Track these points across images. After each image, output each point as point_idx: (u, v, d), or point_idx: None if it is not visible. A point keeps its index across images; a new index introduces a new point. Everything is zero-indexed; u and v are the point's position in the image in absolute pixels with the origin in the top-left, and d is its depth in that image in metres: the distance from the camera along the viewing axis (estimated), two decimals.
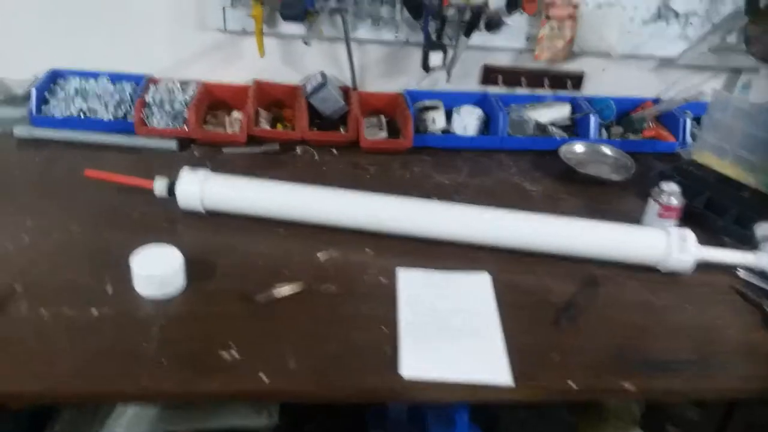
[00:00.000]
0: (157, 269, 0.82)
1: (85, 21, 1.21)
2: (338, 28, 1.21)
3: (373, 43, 1.27)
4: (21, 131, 1.12)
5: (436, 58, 1.20)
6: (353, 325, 0.82)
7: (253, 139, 1.18)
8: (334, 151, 1.20)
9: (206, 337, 0.78)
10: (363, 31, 1.24)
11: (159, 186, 0.98)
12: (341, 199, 0.98)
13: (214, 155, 1.15)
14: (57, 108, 1.15)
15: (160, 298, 0.83)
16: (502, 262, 0.95)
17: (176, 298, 0.84)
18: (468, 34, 1.19)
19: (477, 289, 0.90)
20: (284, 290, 0.86)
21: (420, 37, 1.23)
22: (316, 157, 1.18)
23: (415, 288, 0.89)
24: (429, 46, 1.19)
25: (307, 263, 0.92)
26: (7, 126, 1.13)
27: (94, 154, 1.12)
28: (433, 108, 1.28)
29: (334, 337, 0.80)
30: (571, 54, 1.28)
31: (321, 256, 0.94)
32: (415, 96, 1.29)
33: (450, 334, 0.82)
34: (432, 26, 1.18)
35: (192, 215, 0.98)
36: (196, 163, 1.11)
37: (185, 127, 1.17)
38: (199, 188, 0.97)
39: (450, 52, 1.21)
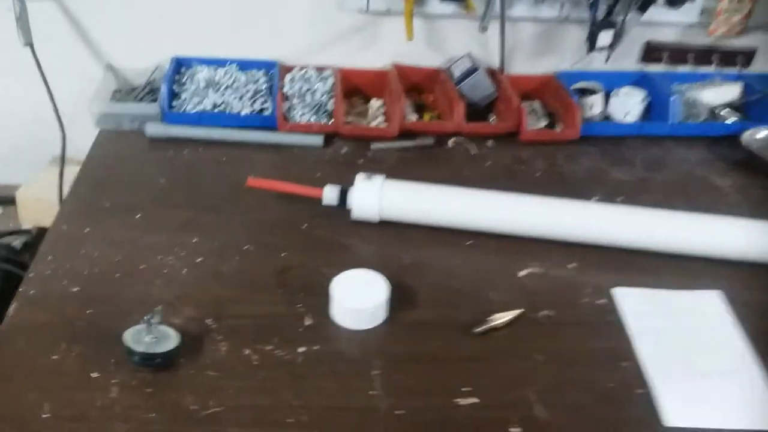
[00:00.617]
0: (364, 301, 0.72)
1: (207, 2, 1.08)
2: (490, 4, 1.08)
3: (526, 21, 1.13)
4: (154, 130, 1.00)
5: (605, 37, 1.07)
6: (589, 361, 0.72)
7: (401, 132, 1.07)
8: (489, 143, 1.09)
9: (435, 382, 0.68)
10: (520, 8, 1.10)
11: (329, 194, 0.87)
12: (535, 205, 0.87)
13: (362, 151, 1.04)
14: (189, 102, 1.04)
15: (361, 329, 0.73)
16: (733, 277, 0.84)
17: (379, 330, 0.74)
18: (644, 9, 1.05)
19: (710, 310, 0.79)
20: (501, 318, 0.75)
21: (581, 13, 1.10)
22: (472, 152, 1.07)
23: (641, 312, 0.78)
24: (598, 23, 1.06)
25: (510, 283, 0.81)
26: (133, 123, 1.02)
27: (234, 153, 1.01)
28: (590, 91, 1.15)
29: (574, 377, 0.70)
30: (745, 28, 1.15)
31: (521, 273, 0.83)
32: (568, 78, 1.16)
33: (700, 369, 0.72)
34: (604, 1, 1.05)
35: (363, 226, 0.88)
36: (342, 161, 1.01)
37: (330, 121, 1.05)
38: (377, 197, 0.86)
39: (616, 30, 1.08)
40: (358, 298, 0.72)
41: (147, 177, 0.94)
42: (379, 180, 0.87)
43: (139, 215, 0.86)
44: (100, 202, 0.88)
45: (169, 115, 1.02)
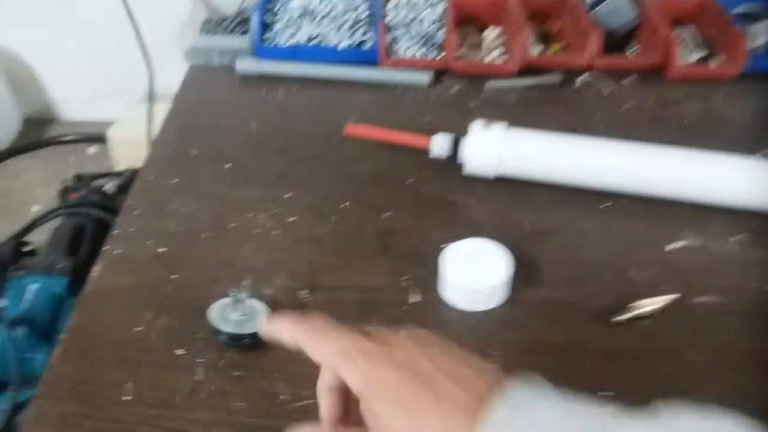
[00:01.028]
0: (481, 279, 0.61)
1: None
2: None
3: None
4: (244, 66, 0.91)
5: None
6: (762, 365, 0.58)
7: (522, 68, 0.92)
8: (627, 81, 0.92)
9: (564, 380, 0.56)
10: None
11: (439, 145, 0.75)
12: (687, 160, 0.71)
13: (476, 91, 0.90)
14: (282, 34, 0.93)
15: (476, 311, 0.63)
16: None
17: (497, 313, 0.63)
18: None
19: None
20: (648, 305, 0.63)
21: None
22: (607, 91, 0.90)
23: None
24: None
25: (657, 258, 0.67)
26: (223, 58, 0.93)
27: (331, 93, 0.90)
28: (756, 17, 0.95)
29: (743, 385, 0.56)
30: None
31: (671, 247, 0.69)
32: (727, 1, 0.95)
33: None
34: None
35: (478, 182, 0.76)
36: (453, 102, 0.88)
37: (439, 55, 0.92)
38: (496, 150, 0.73)
39: None
40: (474, 275, 0.61)
41: (237, 121, 0.85)
42: (499, 129, 0.73)
43: (228, 165, 0.78)
44: (188, 149, 0.80)
45: (261, 49, 0.92)
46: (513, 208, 0.73)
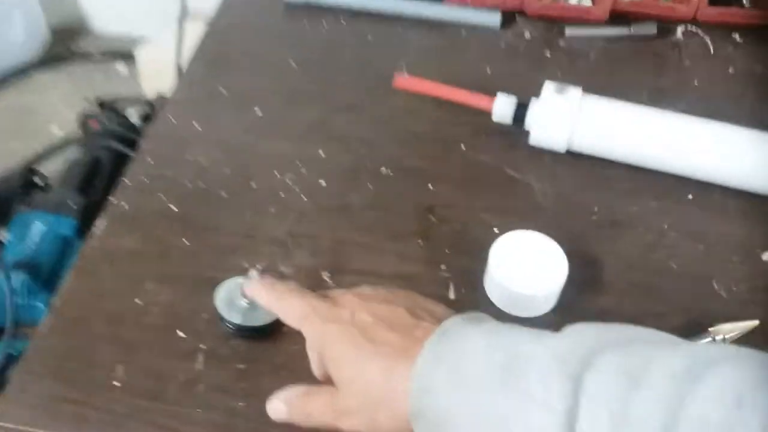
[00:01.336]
0: (532, 283, 0.52)
1: None
2: None
3: None
4: None
5: None
6: None
7: (611, 14, 0.77)
8: (737, 36, 0.77)
9: None
10: None
11: (502, 108, 0.64)
12: None
13: (553, 38, 0.77)
14: None
15: (523, 317, 0.54)
16: None
17: (546, 321, 0.53)
18: None
19: None
20: (730, 332, 0.52)
21: None
22: (711, 48, 0.76)
23: None
24: None
25: (750, 269, 0.56)
26: None
27: (384, 29, 0.78)
28: None
29: None
30: None
31: (766, 255, 0.57)
32: None
33: None
34: None
35: (544, 156, 0.64)
36: (524, 51, 0.75)
37: None
38: (569, 120, 0.61)
39: None
40: (525, 277, 0.52)
41: (275, 57, 0.75)
42: (574, 95, 0.61)
43: (259, 110, 0.69)
44: (216, 87, 0.71)
45: None
46: (582, 191, 0.62)
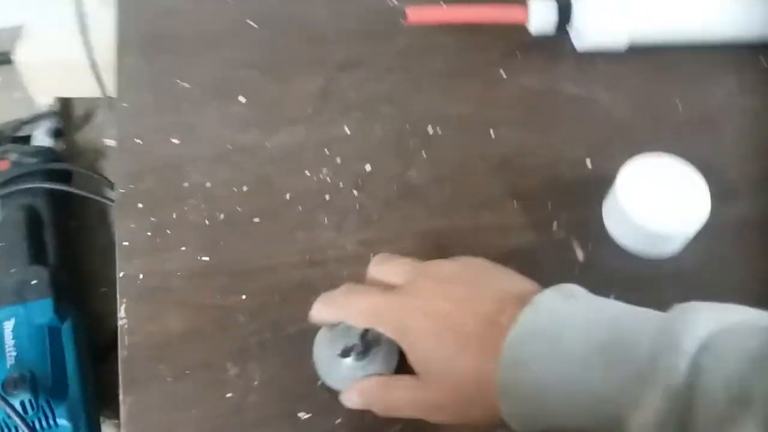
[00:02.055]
0: (680, 222, 0.44)
1: None
2: None
3: None
4: None
5: None
6: None
7: None
8: None
9: None
10: None
11: (540, 15, 0.53)
12: None
13: None
14: None
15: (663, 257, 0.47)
16: None
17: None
18: None
19: None
20: None
21: None
22: None
23: None
24: None
25: None
26: None
27: None
28: None
29: None
30: None
31: None
32: None
33: None
34: None
35: (601, 61, 0.54)
36: None
37: None
38: (628, 10, 0.52)
39: None
40: (670, 213, 0.44)
41: (225, 22, 0.57)
42: None
43: (242, 97, 0.54)
44: (172, 82, 0.53)
45: None
46: (654, 90, 0.54)
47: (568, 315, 0.33)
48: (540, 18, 0.52)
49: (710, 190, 0.45)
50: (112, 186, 0.89)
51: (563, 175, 0.49)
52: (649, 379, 0.30)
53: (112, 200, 0.84)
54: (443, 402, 0.36)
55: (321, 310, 0.41)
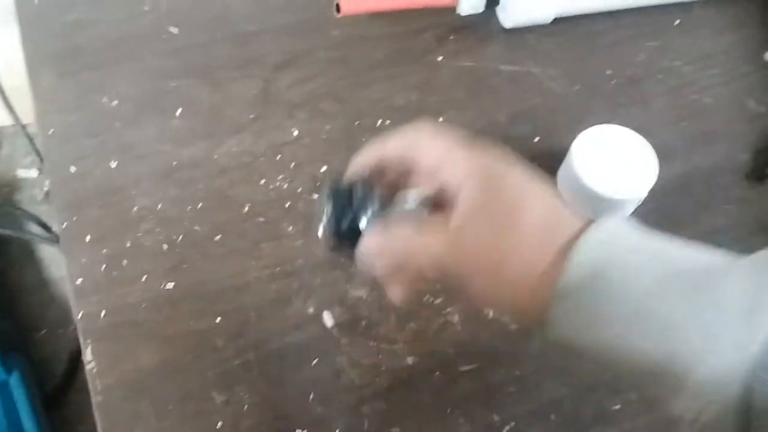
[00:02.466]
0: (633, 187, 0.46)
1: None
2: None
3: None
4: None
5: None
6: None
7: None
8: None
9: None
10: None
11: None
12: None
13: None
14: None
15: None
16: None
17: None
18: None
19: None
20: None
21: None
22: None
23: None
24: None
25: (763, 70, 0.56)
26: None
27: None
28: None
29: None
30: None
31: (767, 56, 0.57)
32: None
33: None
34: None
35: (529, 35, 0.55)
36: None
37: None
38: None
39: None
40: (616, 179, 0.46)
41: (146, 30, 0.53)
42: None
43: (180, 110, 0.51)
44: (99, 101, 0.50)
45: None
46: (583, 58, 0.56)
47: (648, 237, 0.30)
48: (468, 2, 0.53)
49: None
50: (36, 220, 0.83)
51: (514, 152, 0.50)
52: (740, 327, 0.26)
53: (37, 235, 0.79)
54: (475, 269, 0.30)
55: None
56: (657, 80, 0.55)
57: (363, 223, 0.33)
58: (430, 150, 0.33)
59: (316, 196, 0.48)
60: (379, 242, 0.32)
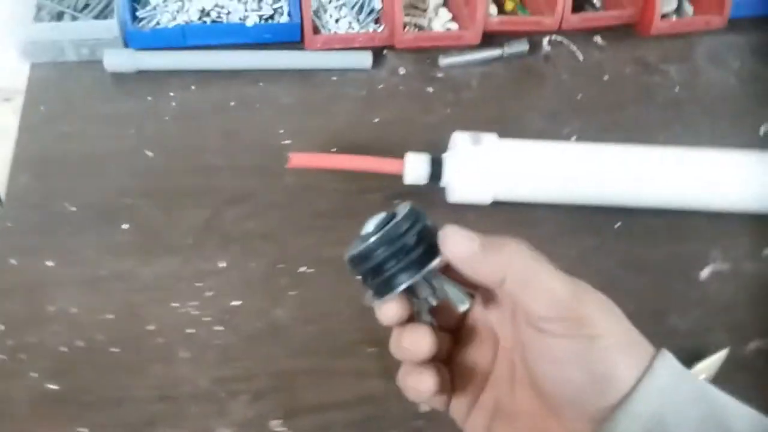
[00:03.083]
0: None
1: None
2: None
3: None
4: (115, 60, 0.65)
5: None
6: None
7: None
8: (598, 39, 0.77)
9: None
10: None
11: (415, 170, 0.57)
12: (693, 161, 0.59)
13: (429, 70, 0.71)
14: (163, 11, 0.67)
15: None
16: None
17: None
18: None
19: None
20: (703, 371, 0.51)
21: None
22: (580, 56, 0.75)
23: None
24: None
25: (692, 293, 0.55)
26: (81, 51, 0.65)
27: (249, 91, 0.66)
28: None
29: None
30: None
31: (704, 274, 0.57)
32: None
33: None
34: None
35: (468, 212, 0.59)
36: (404, 90, 0.69)
37: (379, 28, 0.71)
38: (490, 171, 0.56)
39: None
40: None
41: (122, 148, 0.60)
42: (491, 143, 0.57)
43: (126, 224, 0.56)
44: (59, 204, 0.56)
45: (135, 35, 0.66)
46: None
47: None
48: (413, 172, 0.57)
49: None
50: None
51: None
52: None
53: None
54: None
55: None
56: (584, 278, 0.55)
57: (399, 280, 0.32)
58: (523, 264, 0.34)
59: (220, 327, 0.50)
60: (396, 335, 0.34)
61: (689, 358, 0.51)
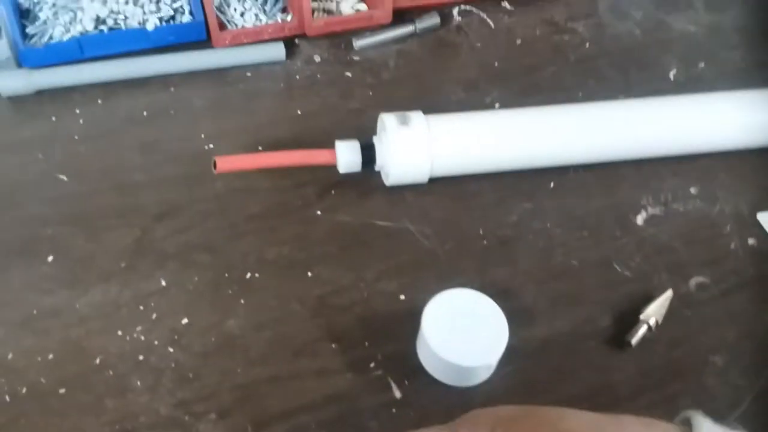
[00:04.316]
0: (483, 354, 0.46)
1: None
2: None
3: None
4: (10, 83, 0.60)
5: None
6: None
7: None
8: (507, 5, 0.77)
9: None
10: None
11: (346, 158, 0.56)
12: (613, 112, 0.61)
13: (343, 55, 0.70)
14: (54, 25, 0.63)
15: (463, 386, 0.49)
16: None
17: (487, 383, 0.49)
18: None
19: None
20: (655, 314, 0.53)
21: None
22: (491, 23, 0.75)
23: None
24: None
25: (633, 239, 0.57)
26: None
27: (160, 98, 0.63)
28: None
29: None
30: None
31: (640, 220, 0.59)
32: None
33: None
34: None
35: (406, 193, 0.58)
36: (323, 79, 0.67)
37: (287, 17, 0.69)
38: (425, 149, 0.56)
39: None
40: (471, 348, 0.46)
41: (32, 174, 0.56)
42: (419, 122, 0.56)
43: (51, 256, 0.52)
44: None
45: (28, 54, 0.61)
46: (458, 219, 0.58)
47: None
48: (346, 159, 0.56)
49: (512, 315, 0.48)
50: None
51: (378, 311, 0.51)
52: None
53: None
54: None
55: None
56: (527, 241, 0.57)
57: None
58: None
59: (171, 349, 0.48)
60: None
61: (637, 302, 0.52)
